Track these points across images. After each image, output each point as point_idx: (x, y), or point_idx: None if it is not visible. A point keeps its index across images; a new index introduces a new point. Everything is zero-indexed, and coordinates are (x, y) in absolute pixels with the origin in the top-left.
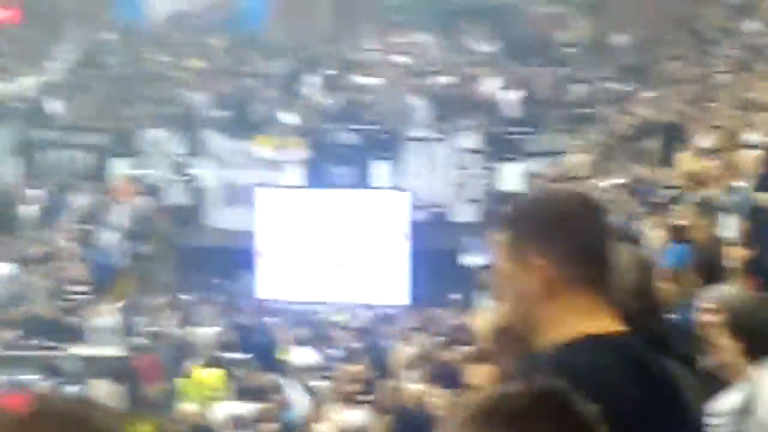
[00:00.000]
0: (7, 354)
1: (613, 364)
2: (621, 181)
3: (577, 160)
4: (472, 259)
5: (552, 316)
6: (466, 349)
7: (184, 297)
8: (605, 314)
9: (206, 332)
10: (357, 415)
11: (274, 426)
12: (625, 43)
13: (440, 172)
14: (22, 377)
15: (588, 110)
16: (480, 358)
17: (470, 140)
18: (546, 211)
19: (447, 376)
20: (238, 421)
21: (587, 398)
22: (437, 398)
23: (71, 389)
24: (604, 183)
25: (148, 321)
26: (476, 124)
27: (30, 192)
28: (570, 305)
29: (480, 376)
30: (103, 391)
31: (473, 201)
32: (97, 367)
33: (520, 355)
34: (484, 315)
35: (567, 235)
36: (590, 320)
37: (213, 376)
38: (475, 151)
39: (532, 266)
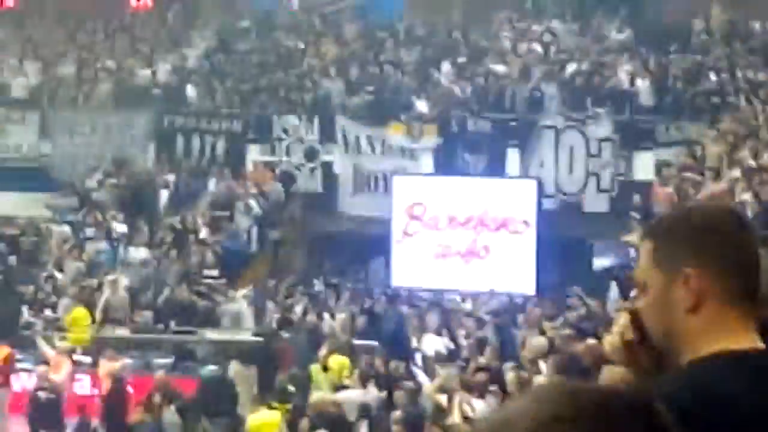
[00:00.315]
0: (141, 337)
1: (750, 384)
2: (755, 171)
3: (710, 149)
4: (603, 252)
5: (694, 329)
6: (593, 341)
7: (315, 283)
8: (751, 331)
9: (337, 319)
10: (485, 404)
11: (403, 414)
12: (762, 31)
13: (571, 160)
14: (156, 360)
15: (723, 99)
16: (614, 360)
17: (602, 128)
18: (700, 222)
19: (574, 368)
20: (367, 409)
21: (718, 418)
22: None
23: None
24: (738, 173)
25: (280, 307)
26: (609, 112)
27: (165, 177)
28: (715, 319)
29: (614, 377)
30: (236, 375)
31: (604, 190)
32: (229, 352)
33: (654, 366)
34: (620, 318)
35: (720, 247)
36: (733, 336)
37: (343, 363)
38: (607, 140)
39: (681, 277)
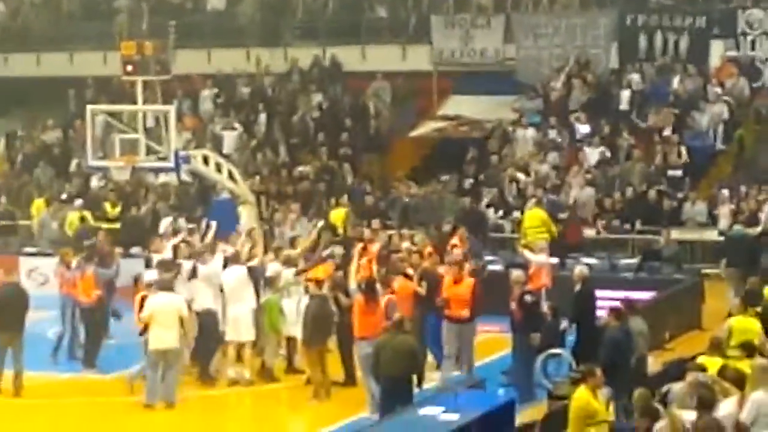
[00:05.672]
0: (606, 237)
1: None
2: None
3: None
4: None
5: None
6: None
7: None
8: None
9: None
10: None
11: None
12: None
13: None
14: (621, 261)
15: None
16: None
17: None
18: None
19: None
20: None
21: None
22: None
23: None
24: None
25: (746, 205)
26: None
27: (629, 76)
28: None
29: None
30: None
31: None
32: (695, 251)
33: None
34: None
35: None
36: None
37: None
38: None
39: None
